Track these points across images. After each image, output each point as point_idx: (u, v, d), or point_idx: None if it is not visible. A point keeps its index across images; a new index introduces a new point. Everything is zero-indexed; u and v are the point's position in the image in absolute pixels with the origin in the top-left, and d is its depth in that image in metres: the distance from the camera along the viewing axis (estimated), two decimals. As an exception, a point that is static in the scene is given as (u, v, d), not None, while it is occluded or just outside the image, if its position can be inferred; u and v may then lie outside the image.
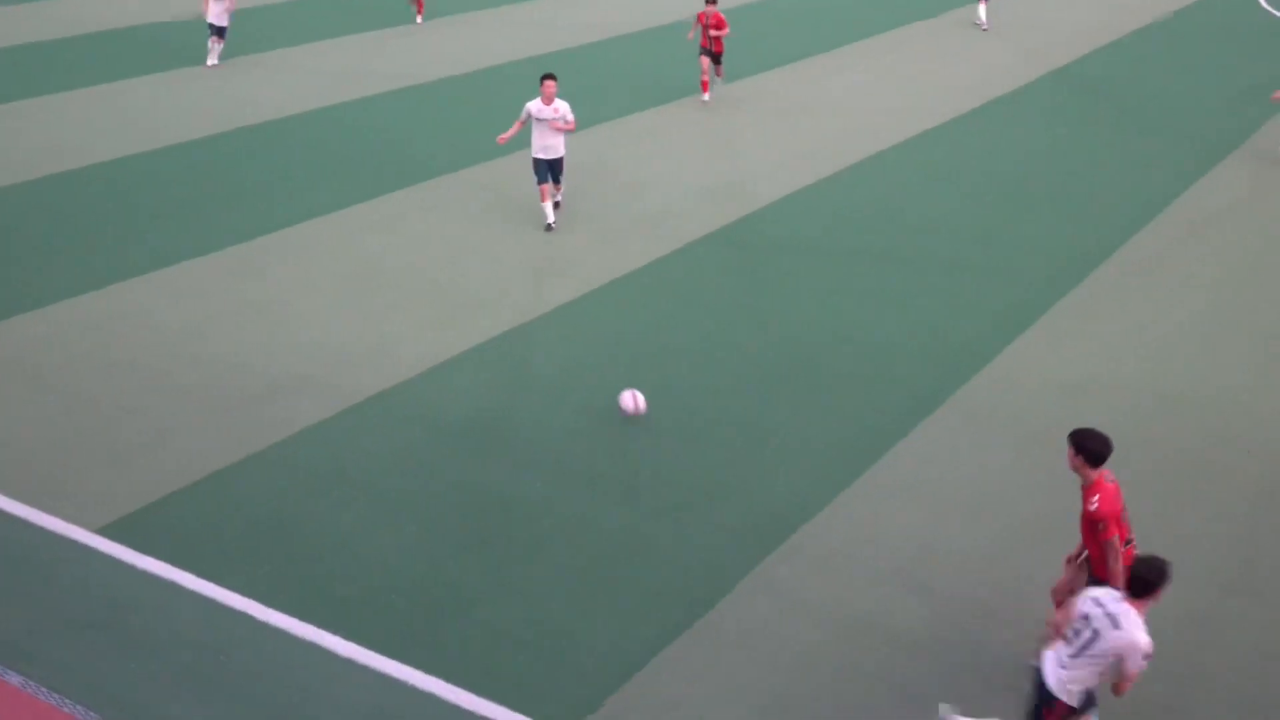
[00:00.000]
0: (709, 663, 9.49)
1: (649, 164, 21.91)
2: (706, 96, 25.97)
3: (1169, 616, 9.29)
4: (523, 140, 18.80)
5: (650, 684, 9.26)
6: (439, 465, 12.19)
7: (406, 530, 11.10)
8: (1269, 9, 37.66)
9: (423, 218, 19.08)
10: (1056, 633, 8.06)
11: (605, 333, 15.09)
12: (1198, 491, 11.74)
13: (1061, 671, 7.79)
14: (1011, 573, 10.58)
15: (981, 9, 34.35)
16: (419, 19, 34.55)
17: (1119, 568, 8.50)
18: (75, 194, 20.16)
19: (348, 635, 9.66)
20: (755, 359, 14.43)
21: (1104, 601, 7.70)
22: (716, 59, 25.96)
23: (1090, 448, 8.69)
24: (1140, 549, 10.67)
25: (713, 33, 25.47)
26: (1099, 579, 8.62)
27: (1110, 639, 7.55)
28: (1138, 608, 7.59)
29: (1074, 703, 7.77)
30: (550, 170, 18.32)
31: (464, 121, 24.77)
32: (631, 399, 12.88)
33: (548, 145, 18.15)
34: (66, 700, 8.93)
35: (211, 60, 29.05)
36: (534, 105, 18.08)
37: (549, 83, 17.97)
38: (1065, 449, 12.51)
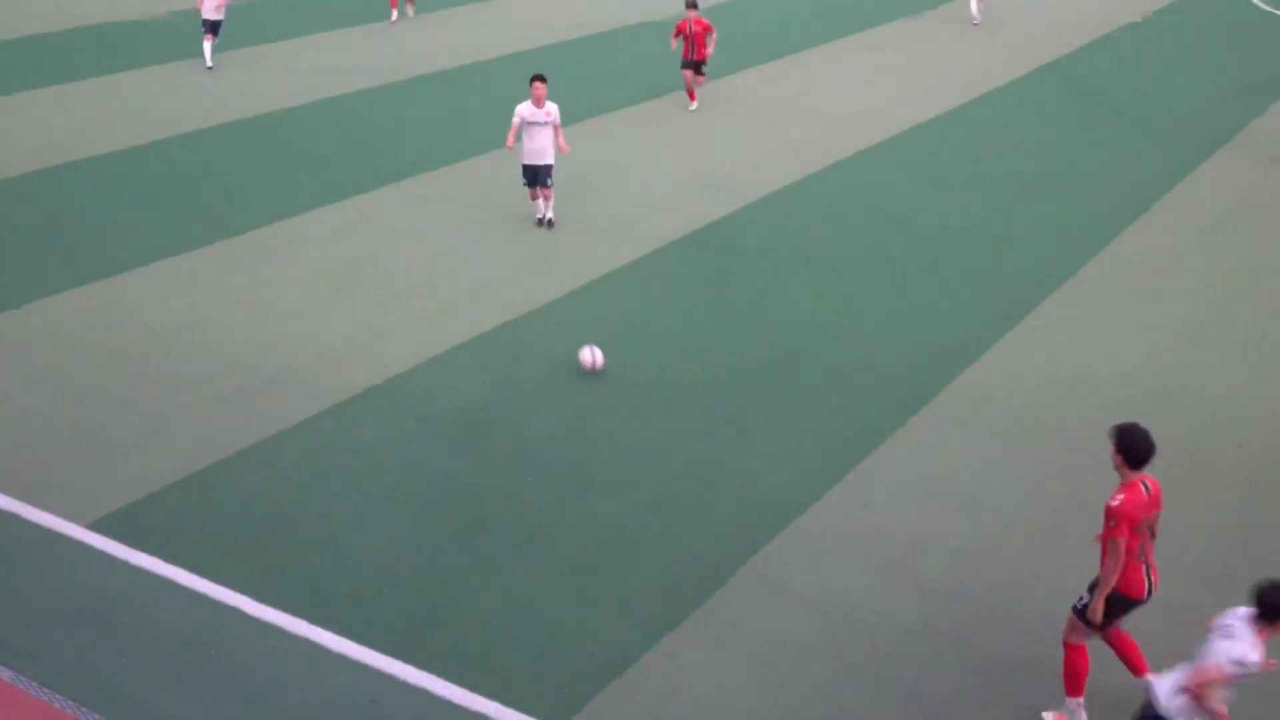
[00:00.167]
0: (701, 658, 9.49)
1: (635, 160, 21.90)
2: (694, 105, 24.91)
3: (1163, 610, 9.31)
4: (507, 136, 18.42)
5: (643, 679, 9.26)
6: (430, 460, 12.18)
7: (398, 525, 11.09)
8: (1262, 5, 37.71)
9: (410, 213, 19.04)
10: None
11: (594, 327, 15.06)
12: (1188, 486, 11.76)
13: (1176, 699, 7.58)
14: (1004, 568, 10.60)
15: (974, 3, 34.05)
16: (396, 14, 33.64)
17: (1114, 571, 8.41)
18: (61, 189, 20.09)
19: (340, 631, 9.64)
20: (746, 354, 14.43)
21: (1234, 616, 7.48)
22: (699, 67, 24.66)
23: (1128, 446, 8.48)
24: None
25: (707, 51, 24.35)
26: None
27: (1211, 648, 7.41)
28: (1264, 635, 7.37)
29: None
30: (538, 175, 17.92)
31: (449, 117, 24.74)
32: (590, 354, 13.64)
33: (536, 149, 17.77)
34: (59, 696, 8.91)
35: (210, 62, 28.27)
36: (524, 108, 17.72)
37: (538, 85, 17.64)
38: (1056, 443, 12.49)
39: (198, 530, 10.97)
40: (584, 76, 27.69)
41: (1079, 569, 10.51)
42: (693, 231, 18.25)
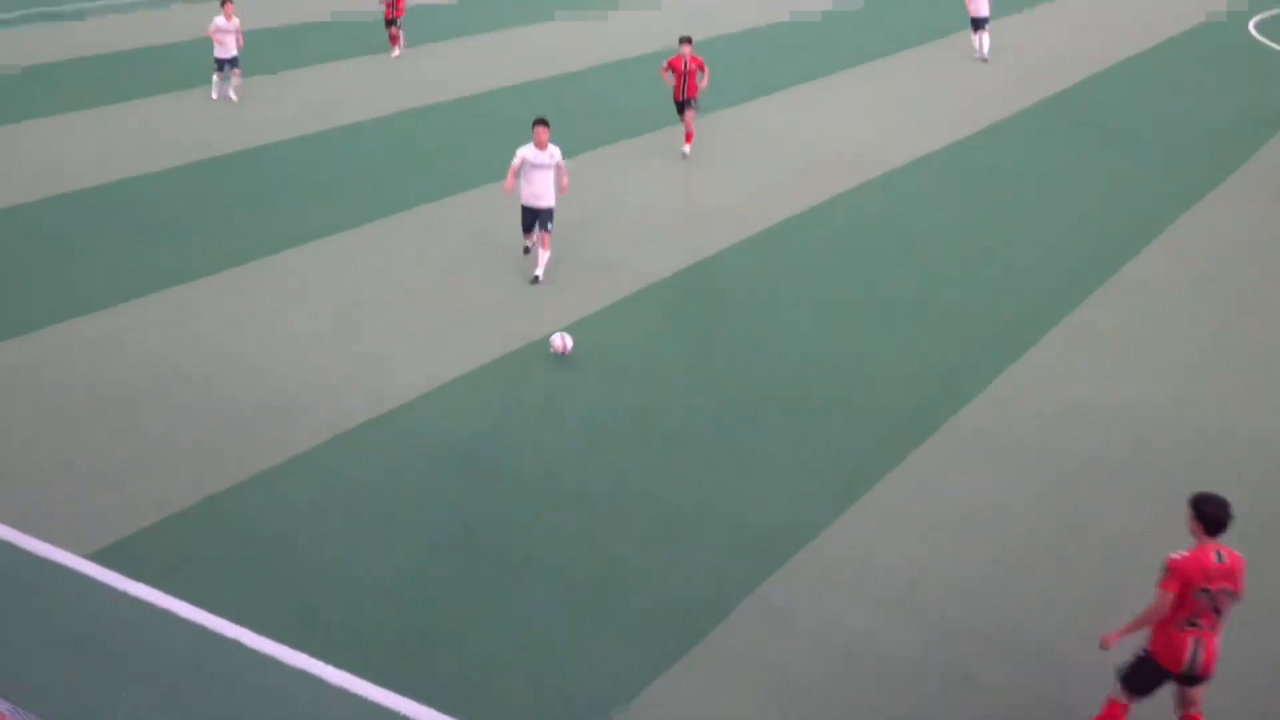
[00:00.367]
0: (702, 689, 9.45)
1: (635, 193, 21.94)
2: (687, 149, 23.91)
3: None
4: (508, 168, 18.12)
5: (643, 711, 9.21)
6: (430, 490, 12.15)
7: (397, 556, 11.06)
8: (1261, 39, 37.87)
9: (411, 243, 19.06)
10: None
11: (594, 358, 15.07)
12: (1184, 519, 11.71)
13: None
14: (1006, 600, 10.56)
15: (977, 40, 33.82)
16: (397, 50, 33.59)
17: (1147, 617, 8.19)
18: (67, 217, 20.14)
19: (339, 663, 9.59)
20: (747, 385, 14.43)
21: None
22: (690, 105, 23.70)
23: (1202, 513, 8.26)
24: (1132, 569, 10.70)
25: (700, 87, 23.51)
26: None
27: None
28: None
29: None
30: (538, 219, 17.38)
31: (448, 149, 24.80)
32: (560, 339, 14.85)
33: (537, 193, 17.26)
34: (55, 727, 8.88)
35: (232, 95, 28.00)
36: (526, 150, 17.19)
37: (540, 129, 17.12)
38: (1058, 476, 12.52)
39: (197, 561, 10.94)
40: (587, 108, 27.80)
41: (1080, 602, 10.51)
42: (691, 264, 18.26)
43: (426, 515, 11.71)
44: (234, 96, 28.19)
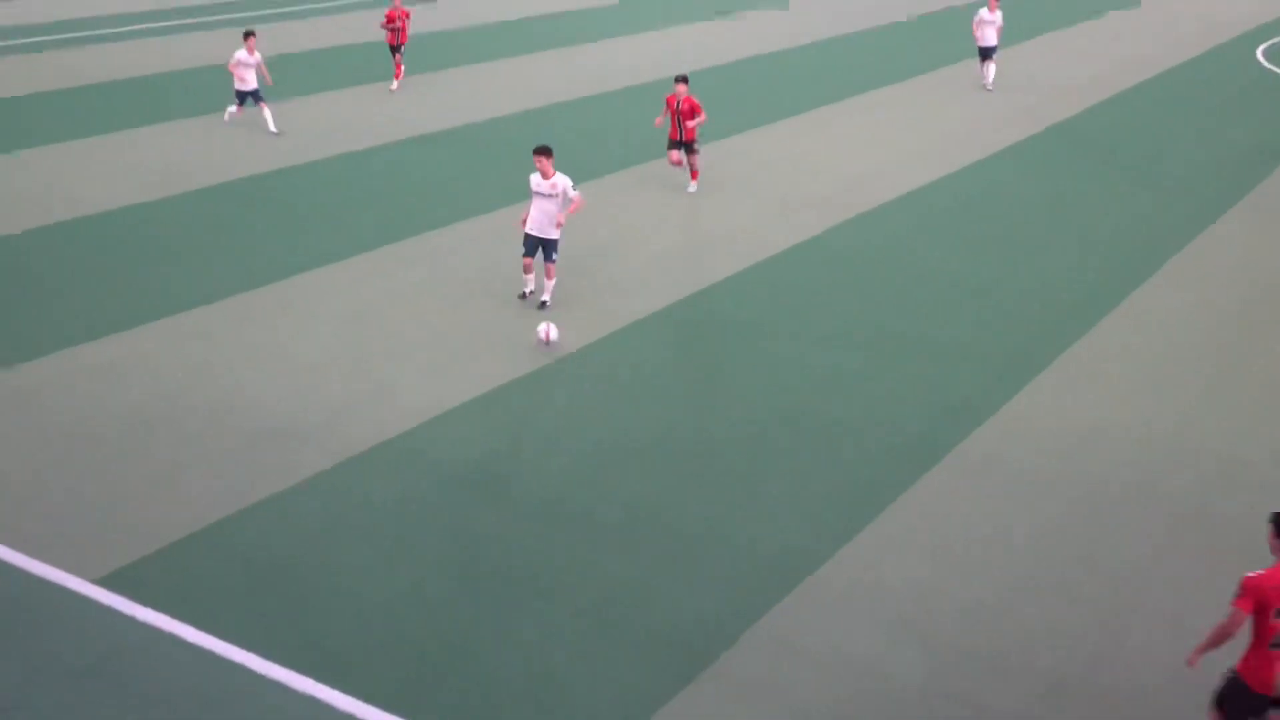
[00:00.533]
0: (711, 715, 9.42)
1: (642, 219, 21.97)
2: (694, 186, 23.35)
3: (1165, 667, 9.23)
4: (515, 194, 18.00)
5: (651, 738, 9.20)
6: (438, 515, 12.15)
7: (406, 581, 11.05)
8: (1269, 66, 37.93)
9: (419, 268, 19.09)
10: None
11: (601, 382, 15.08)
12: (1198, 542, 11.70)
13: None
14: (1014, 626, 10.53)
15: (984, 69, 33.65)
16: (394, 84, 32.99)
17: (1219, 634, 7.96)
18: (78, 242, 20.21)
19: (346, 688, 9.59)
20: (755, 410, 14.43)
21: None
22: (689, 148, 23.09)
23: None
24: (1141, 596, 10.67)
25: (688, 123, 22.63)
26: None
27: None
28: None
29: None
30: (542, 249, 17.16)
31: (457, 175, 24.85)
32: (545, 329, 15.66)
33: (540, 223, 17.01)
34: (62, 752, 8.87)
35: (272, 128, 27.37)
36: (534, 178, 17.06)
37: (539, 159, 16.93)
38: (1066, 501, 12.50)
39: (204, 586, 10.94)
40: (594, 133, 27.88)
41: (1089, 629, 10.47)
42: (699, 290, 18.27)
43: (434, 540, 11.71)
44: (274, 128, 27.49)
